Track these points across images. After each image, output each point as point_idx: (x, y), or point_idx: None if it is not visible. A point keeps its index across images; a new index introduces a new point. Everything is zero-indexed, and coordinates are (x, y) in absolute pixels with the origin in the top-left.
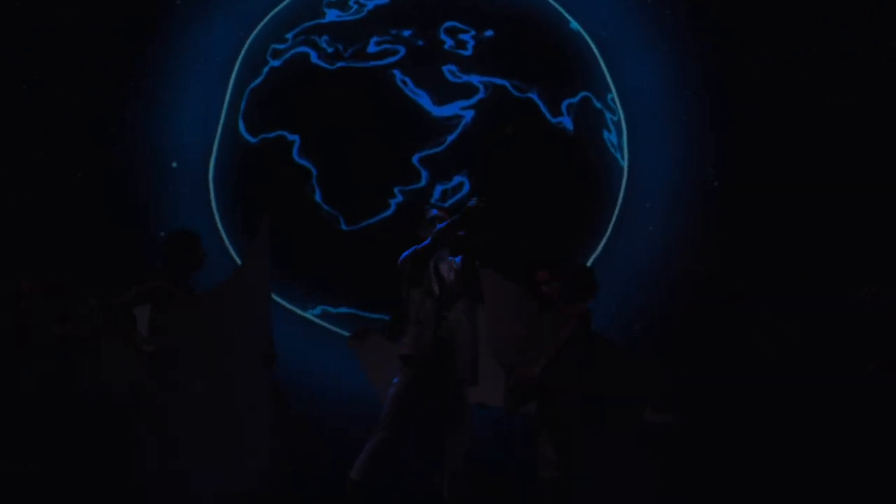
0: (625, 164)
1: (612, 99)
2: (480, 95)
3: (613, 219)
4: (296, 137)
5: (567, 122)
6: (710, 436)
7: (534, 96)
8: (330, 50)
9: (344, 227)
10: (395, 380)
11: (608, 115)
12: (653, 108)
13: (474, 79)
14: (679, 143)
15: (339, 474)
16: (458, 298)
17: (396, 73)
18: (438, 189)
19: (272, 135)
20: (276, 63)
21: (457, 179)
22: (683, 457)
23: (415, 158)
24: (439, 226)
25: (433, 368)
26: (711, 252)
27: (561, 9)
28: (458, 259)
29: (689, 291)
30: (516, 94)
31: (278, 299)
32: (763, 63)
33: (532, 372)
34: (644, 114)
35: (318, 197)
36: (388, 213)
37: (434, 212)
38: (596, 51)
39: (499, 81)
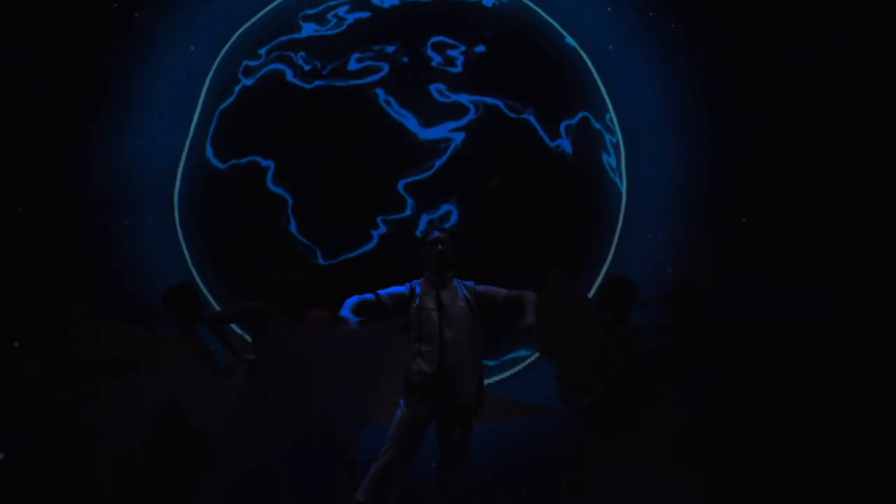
0: (623, 189)
1: (611, 119)
2: (471, 116)
3: (613, 246)
4: (270, 163)
5: (566, 145)
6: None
7: (530, 117)
8: (307, 67)
9: (321, 261)
10: (402, 401)
11: (607, 137)
12: (652, 128)
13: (464, 98)
14: (680, 163)
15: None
16: (462, 325)
17: (379, 92)
18: (425, 218)
19: (243, 160)
20: (248, 82)
21: (445, 208)
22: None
23: (400, 185)
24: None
25: (437, 395)
26: (714, 271)
27: (555, 23)
28: (467, 283)
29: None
30: (511, 114)
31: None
32: (767, 77)
33: (588, 396)
34: (643, 134)
35: (293, 228)
36: (370, 245)
37: (437, 234)
38: (592, 67)
39: (491, 101)
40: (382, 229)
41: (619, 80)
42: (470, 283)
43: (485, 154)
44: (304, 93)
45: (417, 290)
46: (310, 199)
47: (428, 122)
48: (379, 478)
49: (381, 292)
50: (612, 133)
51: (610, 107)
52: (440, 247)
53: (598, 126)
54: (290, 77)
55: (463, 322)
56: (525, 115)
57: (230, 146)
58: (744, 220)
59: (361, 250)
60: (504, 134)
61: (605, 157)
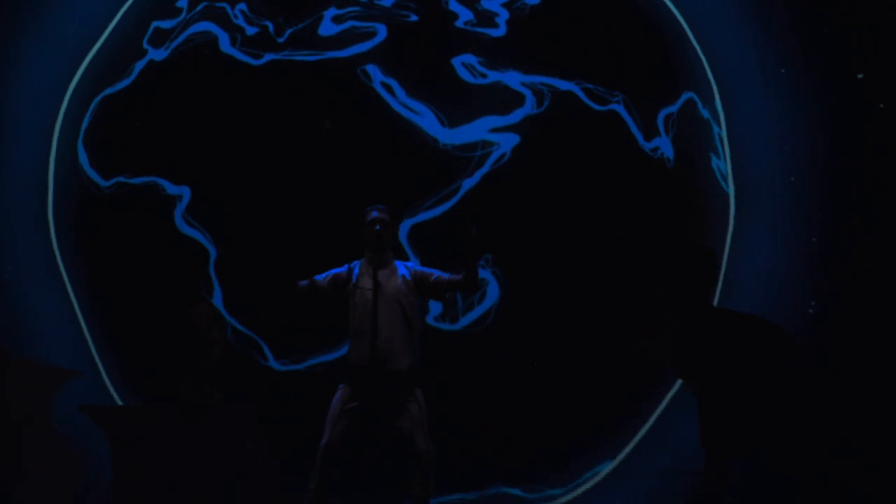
0: (732, 195)
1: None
2: (527, 109)
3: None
4: (181, 190)
5: (666, 147)
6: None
7: (618, 107)
8: (251, 30)
9: (274, 364)
10: (341, 385)
11: (715, 130)
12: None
13: (512, 79)
14: (792, 158)
15: None
16: (398, 305)
17: (373, 71)
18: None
19: (139, 180)
20: (160, 53)
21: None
22: None
23: (401, 231)
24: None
25: (371, 376)
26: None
27: None
28: (408, 265)
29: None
30: (592, 105)
31: None
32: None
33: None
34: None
35: (217, 299)
36: None
37: (374, 213)
38: (687, 27)
39: (560, 84)
40: None
41: (721, 48)
42: (411, 264)
43: (546, 170)
44: (247, 71)
45: (356, 270)
46: (249, 250)
47: (453, 118)
48: (319, 463)
49: (318, 276)
50: (719, 123)
51: (714, 87)
52: (377, 227)
53: (706, 114)
54: (224, 46)
55: (399, 301)
56: (612, 105)
57: (120, 157)
58: None
59: (335, 355)
60: (580, 135)
61: (714, 162)
